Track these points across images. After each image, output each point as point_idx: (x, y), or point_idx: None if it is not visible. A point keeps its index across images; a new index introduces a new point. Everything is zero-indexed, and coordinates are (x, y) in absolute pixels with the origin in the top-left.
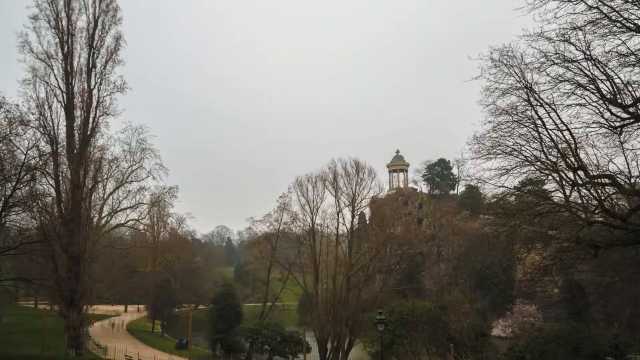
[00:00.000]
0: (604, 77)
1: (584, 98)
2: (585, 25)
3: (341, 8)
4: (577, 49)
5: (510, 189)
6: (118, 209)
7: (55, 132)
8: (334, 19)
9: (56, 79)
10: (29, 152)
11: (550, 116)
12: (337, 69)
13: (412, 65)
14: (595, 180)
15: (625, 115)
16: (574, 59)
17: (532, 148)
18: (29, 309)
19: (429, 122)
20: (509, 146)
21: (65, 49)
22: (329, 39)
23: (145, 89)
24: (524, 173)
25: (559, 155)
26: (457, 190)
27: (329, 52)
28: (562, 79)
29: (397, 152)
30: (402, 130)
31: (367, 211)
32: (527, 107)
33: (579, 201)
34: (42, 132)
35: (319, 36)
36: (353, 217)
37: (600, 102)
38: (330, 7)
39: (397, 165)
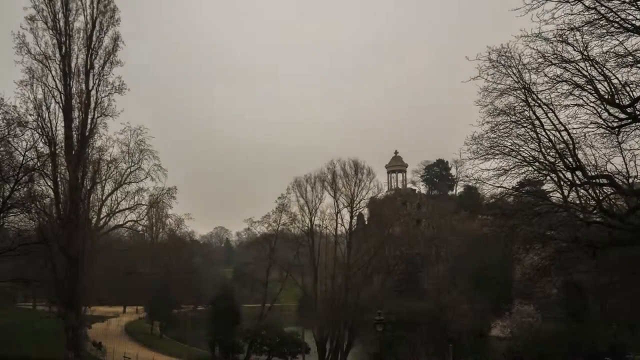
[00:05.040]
0: (601, 78)
1: (582, 98)
2: (582, 26)
3: (338, 11)
4: (574, 50)
5: (509, 189)
6: (117, 210)
7: (54, 133)
8: (331, 22)
9: (54, 80)
10: (27, 153)
11: (548, 117)
12: (336, 68)
13: (411, 64)
14: (594, 181)
15: (623, 116)
16: (572, 60)
17: (530, 148)
18: (27, 310)
19: (428, 122)
20: (507, 146)
21: (63, 50)
22: (328, 39)
23: (144, 89)
24: (522, 173)
25: (557, 155)
26: (456, 190)
27: (328, 51)
28: (560, 80)
29: (396, 152)
30: (401, 131)
31: (365, 212)
32: (525, 108)
33: (577, 201)
34: (40, 133)
35: (319, 36)
36: (352, 217)
37: (598, 102)
38: (328, 12)
39: (396, 166)
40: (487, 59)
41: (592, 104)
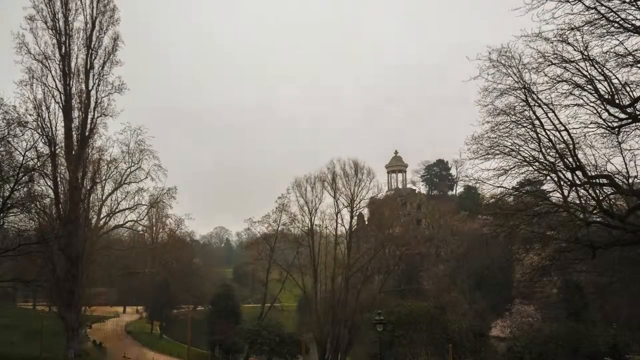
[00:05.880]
0: (601, 78)
1: (582, 98)
2: (583, 26)
3: (341, 13)
4: (574, 50)
5: (509, 189)
6: (117, 210)
7: (54, 133)
8: (332, 22)
9: (54, 80)
10: (27, 153)
11: (548, 116)
12: (336, 68)
13: (411, 64)
14: (594, 181)
15: (623, 116)
16: (572, 60)
17: (530, 148)
18: (27, 310)
19: (428, 122)
20: (507, 146)
21: (63, 50)
22: (328, 39)
23: (143, 88)
24: (522, 173)
25: (557, 155)
26: (456, 190)
27: (329, 52)
28: (560, 80)
29: (396, 152)
30: (400, 131)
31: (365, 212)
32: (525, 108)
33: (577, 201)
34: (40, 133)
35: (319, 37)
36: (352, 217)
37: (598, 102)
38: (329, 16)
39: (396, 166)
40: (487, 58)
41: (592, 104)
